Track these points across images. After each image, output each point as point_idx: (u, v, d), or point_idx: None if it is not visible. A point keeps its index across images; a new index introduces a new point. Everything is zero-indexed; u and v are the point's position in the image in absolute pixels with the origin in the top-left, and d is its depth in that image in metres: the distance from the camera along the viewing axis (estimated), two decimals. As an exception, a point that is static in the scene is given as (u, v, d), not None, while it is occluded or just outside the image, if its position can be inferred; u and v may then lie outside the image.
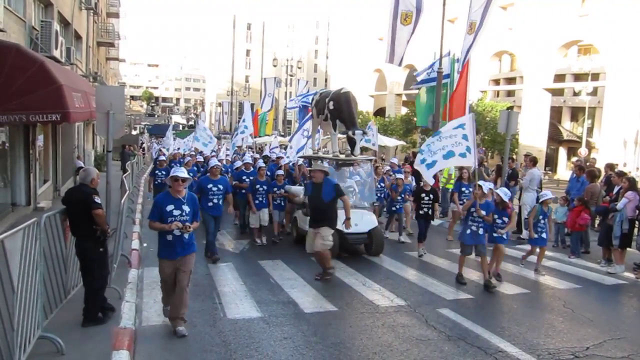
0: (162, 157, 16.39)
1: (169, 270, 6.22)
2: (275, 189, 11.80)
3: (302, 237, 10.97)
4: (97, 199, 6.15)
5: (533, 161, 13.58)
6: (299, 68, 49.69)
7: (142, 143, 47.00)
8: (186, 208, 6.18)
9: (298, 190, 12.04)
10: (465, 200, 11.35)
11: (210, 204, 10.04)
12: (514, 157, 22.84)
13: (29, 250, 4.89)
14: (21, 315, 4.64)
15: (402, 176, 12.85)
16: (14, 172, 13.32)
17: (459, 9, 17.04)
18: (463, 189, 12.59)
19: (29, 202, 13.83)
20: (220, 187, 10.16)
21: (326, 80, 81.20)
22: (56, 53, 14.30)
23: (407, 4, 13.71)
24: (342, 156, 11.47)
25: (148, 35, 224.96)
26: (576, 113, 41.68)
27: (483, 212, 8.63)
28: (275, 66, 49.12)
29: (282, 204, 12.06)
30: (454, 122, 9.81)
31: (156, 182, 14.86)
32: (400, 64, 14.76)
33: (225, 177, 10.99)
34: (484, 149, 36.32)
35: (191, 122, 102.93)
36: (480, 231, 8.77)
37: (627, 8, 28.36)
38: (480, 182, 9.15)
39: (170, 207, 6.10)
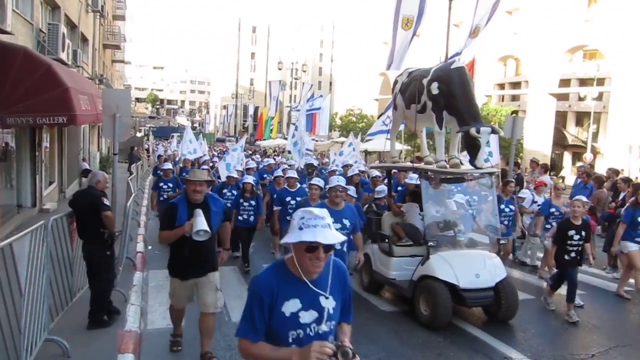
0: (168, 165, 12.89)
1: None
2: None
3: (377, 285, 8.34)
4: (106, 201, 6.19)
5: (544, 168, 13.52)
6: (304, 71, 49.74)
7: (148, 146, 47.11)
8: None
9: None
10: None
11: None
12: (519, 161, 22.80)
13: (36, 253, 4.91)
14: (28, 318, 4.66)
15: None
16: (19, 174, 13.38)
17: (464, 14, 17.05)
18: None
19: (34, 203, 13.87)
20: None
21: (331, 84, 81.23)
22: (63, 55, 14.37)
23: (408, 8, 13.64)
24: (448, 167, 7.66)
25: (153, 37, 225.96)
26: (581, 118, 41.54)
27: None
28: (280, 69, 49.17)
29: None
30: None
31: (161, 198, 11.95)
32: (398, 69, 14.59)
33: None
34: (488, 153, 36.25)
35: (195, 125, 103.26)
36: None
37: (632, 13, 28.31)
38: None
39: None
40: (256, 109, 63.53)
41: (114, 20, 36.02)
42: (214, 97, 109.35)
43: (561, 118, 40.83)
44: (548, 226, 9.21)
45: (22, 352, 4.54)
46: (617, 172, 14.03)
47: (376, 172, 11.14)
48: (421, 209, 8.02)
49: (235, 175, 10.55)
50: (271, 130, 39.36)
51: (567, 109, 41.23)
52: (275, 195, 10.26)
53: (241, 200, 9.65)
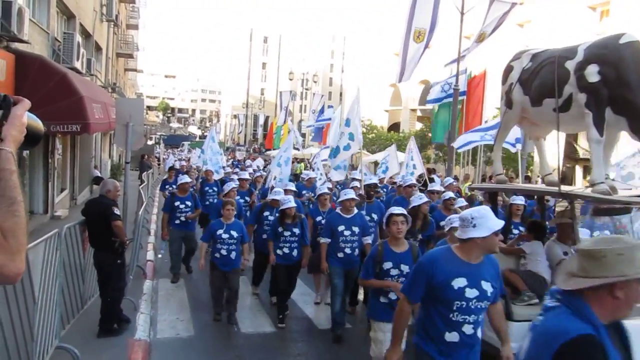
0: (186, 179, 10.02)
1: None
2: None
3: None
4: (117, 211, 6.24)
5: None
6: (315, 82, 49.99)
7: (158, 153, 47.36)
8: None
9: None
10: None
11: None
12: (530, 175, 22.67)
13: (49, 261, 4.96)
14: (41, 325, 4.70)
15: None
16: (32, 181, 13.50)
17: (475, 26, 17.12)
18: None
19: (46, 210, 13.98)
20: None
21: (341, 94, 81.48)
22: (77, 64, 14.52)
23: (421, 21, 13.72)
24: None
25: (166, 46, 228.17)
26: (593, 131, 41.38)
27: None
28: (291, 79, 49.45)
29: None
30: None
31: (177, 221, 9.46)
32: (408, 80, 14.59)
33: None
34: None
35: (206, 133, 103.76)
36: None
37: (645, 27, 28.29)
38: None
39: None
40: (266, 118, 63.75)
41: (128, 30, 36.41)
42: (225, 106, 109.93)
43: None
44: None
45: (34, 359, 4.57)
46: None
47: (451, 194, 8.36)
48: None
49: (279, 198, 7.96)
50: (280, 139, 39.50)
51: (579, 123, 41.13)
52: (319, 219, 7.83)
53: (280, 229, 7.21)
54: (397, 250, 4.90)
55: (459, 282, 3.35)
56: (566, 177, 39.56)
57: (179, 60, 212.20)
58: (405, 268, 4.77)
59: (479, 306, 3.42)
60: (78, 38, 15.12)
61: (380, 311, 4.85)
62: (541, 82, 5.71)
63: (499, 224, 3.35)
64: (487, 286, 3.44)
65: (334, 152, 10.88)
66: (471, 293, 3.37)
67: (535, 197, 7.52)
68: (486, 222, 3.31)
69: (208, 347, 6.30)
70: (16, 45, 10.44)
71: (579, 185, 39.20)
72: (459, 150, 14.06)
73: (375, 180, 9.55)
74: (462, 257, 3.43)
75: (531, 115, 6.15)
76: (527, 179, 14.90)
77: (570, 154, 39.74)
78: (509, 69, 6.47)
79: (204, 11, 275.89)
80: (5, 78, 9.56)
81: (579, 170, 41.88)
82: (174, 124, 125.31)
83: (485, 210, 3.37)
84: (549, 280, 5.59)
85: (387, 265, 4.81)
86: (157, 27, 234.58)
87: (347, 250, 6.66)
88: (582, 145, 40.79)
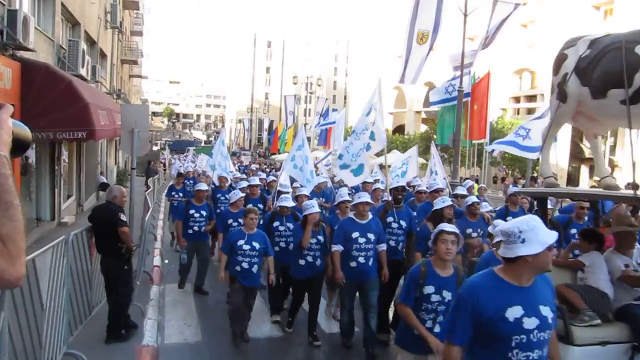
0: (203, 186, 9.59)
1: None
2: None
3: None
4: (123, 217, 6.25)
5: None
6: (319, 85, 50.06)
7: (164, 159, 47.50)
8: None
9: None
10: None
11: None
12: (536, 175, 22.60)
13: (57, 267, 4.98)
14: (49, 331, 4.72)
15: None
16: (39, 188, 13.57)
17: (479, 27, 17.12)
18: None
19: (53, 217, 14.04)
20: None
21: (345, 98, 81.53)
22: (82, 71, 14.60)
23: (424, 23, 13.71)
24: None
25: (170, 52, 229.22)
26: (598, 131, 41.16)
27: None
28: (295, 84, 49.56)
29: None
30: None
31: (190, 231, 8.97)
32: (414, 83, 14.60)
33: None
34: (504, 167, 36.10)
35: (211, 138, 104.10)
36: None
37: (650, 26, 28.16)
38: None
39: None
40: (271, 122, 63.96)
41: (132, 36, 36.56)
42: (230, 111, 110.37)
43: (578, 131, 40.44)
44: None
45: (42, 366, 4.59)
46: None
47: (474, 198, 7.70)
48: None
49: (288, 205, 7.54)
50: (285, 143, 39.62)
51: (584, 122, 40.92)
52: (335, 228, 6.88)
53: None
54: (441, 274, 4.25)
55: (514, 312, 2.71)
56: (571, 177, 39.41)
57: (184, 66, 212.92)
58: (447, 295, 4.18)
59: (541, 338, 2.74)
60: (83, 45, 15.20)
61: (411, 341, 4.26)
62: (605, 71, 4.92)
63: (553, 236, 2.74)
64: (546, 311, 2.78)
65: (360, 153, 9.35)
66: (531, 323, 2.72)
67: (588, 201, 6.93)
68: (537, 235, 2.69)
69: (216, 353, 6.29)
70: (22, 54, 10.51)
71: (584, 182, 39.00)
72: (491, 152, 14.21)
73: (402, 182, 8.92)
74: (510, 280, 2.79)
75: (591, 110, 5.30)
76: (533, 180, 14.79)
77: (576, 154, 39.62)
78: (562, 58, 5.58)
79: (207, 17, 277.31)
80: (12, 86, 9.62)
81: (584, 170, 41.72)
82: (180, 130, 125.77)
83: (535, 221, 2.79)
84: (612, 296, 4.94)
85: (429, 289, 4.21)
86: (161, 33, 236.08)
87: (361, 260, 6.19)
88: (588, 145, 40.33)
